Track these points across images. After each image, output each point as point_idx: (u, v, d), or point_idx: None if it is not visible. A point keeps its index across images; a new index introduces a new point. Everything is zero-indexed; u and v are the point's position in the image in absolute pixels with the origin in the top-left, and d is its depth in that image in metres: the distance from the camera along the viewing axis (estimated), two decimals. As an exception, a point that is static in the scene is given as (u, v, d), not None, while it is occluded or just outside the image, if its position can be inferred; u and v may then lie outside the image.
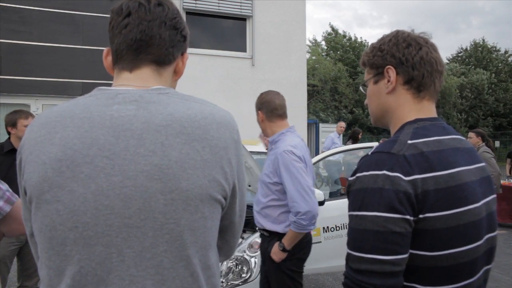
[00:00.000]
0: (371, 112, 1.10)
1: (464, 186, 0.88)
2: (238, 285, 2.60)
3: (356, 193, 0.88)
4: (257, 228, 2.45)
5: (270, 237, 2.33)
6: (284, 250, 2.24)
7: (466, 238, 0.87)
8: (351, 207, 0.89)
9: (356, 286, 0.84)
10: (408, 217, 0.83)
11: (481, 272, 0.93)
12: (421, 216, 0.84)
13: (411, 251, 0.85)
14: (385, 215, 0.82)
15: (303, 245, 2.32)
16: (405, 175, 0.84)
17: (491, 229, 0.96)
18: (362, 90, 1.12)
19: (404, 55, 0.98)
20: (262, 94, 2.45)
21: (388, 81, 1.00)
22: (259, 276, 2.67)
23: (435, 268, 0.86)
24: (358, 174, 0.89)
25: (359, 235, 0.86)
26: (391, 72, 1.00)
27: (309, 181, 2.21)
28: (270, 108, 2.37)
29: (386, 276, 0.82)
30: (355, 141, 8.03)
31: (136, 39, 0.85)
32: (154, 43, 0.86)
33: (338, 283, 4.36)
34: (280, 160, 2.20)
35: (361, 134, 8.44)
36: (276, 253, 2.26)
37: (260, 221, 2.37)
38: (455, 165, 0.89)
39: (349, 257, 0.88)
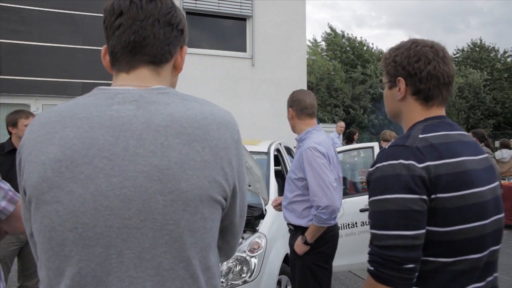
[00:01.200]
0: (387, 110, 1.23)
1: (470, 172, 1.01)
2: (238, 285, 2.60)
3: (377, 180, 1.01)
4: (286, 223, 2.61)
5: (295, 231, 2.45)
6: (306, 243, 2.32)
7: (474, 216, 1.00)
8: (373, 193, 1.01)
9: (383, 260, 0.96)
10: (424, 197, 0.96)
11: (488, 251, 1.04)
12: (433, 196, 0.97)
13: (426, 228, 0.97)
14: (405, 196, 0.95)
15: (326, 240, 2.37)
16: (419, 163, 0.97)
17: (498, 211, 1.07)
18: (380, 89, 1.26)
19: (414, 69, 1.09)
20: (294, 92, 2.57)
21: (399, 90, 1.13)
22: (259, 276, 2.67)
23: (446, 242, 0.98)
24: (377, 165, 1.02)
25: (382, 216, 0.97)
26: (401, 83, 1.12)
27: (331, 177, 2.29)
28: (300, 107, 2.47)
29: (408, 249, 0.94)
30: (351, 141, 8.03)
31: (130, 41, 0.82)
32: (149, 44, 0.83)
33: (338, 283, 4.36)
34: (304, 156, 2.31)
35: (356, 134, 8.46)
36: (299, 246, 2.36)
37: (287, 216, 2.49)
38: (461, 155, 1.02)
39: (374, 237, 0.99)
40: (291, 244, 2.45)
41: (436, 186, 0.96)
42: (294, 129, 2.57)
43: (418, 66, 1.09)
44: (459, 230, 0.98)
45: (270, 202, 3.22)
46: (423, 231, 0.96)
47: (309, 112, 2.49)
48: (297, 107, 2.47)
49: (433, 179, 0.96)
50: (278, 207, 2.73)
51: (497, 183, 1.09)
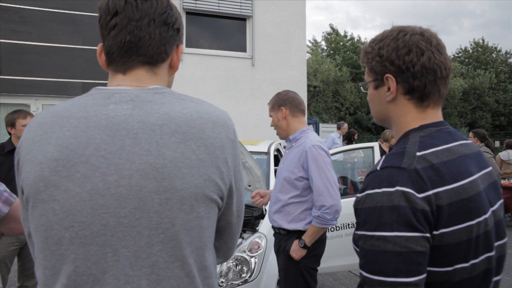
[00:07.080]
0: (373, 113, 1.05)
1: (475, 197, 0.85)
2: (238, 285, 2.60)
3: (369, 211, 0.82)
4: (272, 227, 2.47)
5: (288, 236, 2.32)
6: (304, 247, 2.23)
7: (478, 251, 0.84)
8: (364, 227, 0.83)
9: None
10: (427, 234, 0.79)
11: (491, 285, 0.90)
12: (435, 232, 0.80)
13: None
14: (406, 234, 0.78)
15: (320, 242, 2.32)
16: (419, 192, 0.80)
17: (500, 237, 0.92)
18: (363, 89, 1.06)
19: (405, 63, 0.91)
20: (281, 93, 2.48)
21: (389, 89, 0.95)
22: (259, 276, 2.67)
23: (448, 283, 0.83)
24: (368, 191, 0.84)
25: (378, 258, 0.79)
26: (391, 82, 0.93)
27: (335, 176, 2.24)
28: (295, 104, 2.41)
29: None
30: (350, 142, 8.04)
31: (125, 41, 0.82)
32: (145, 44, 0.83)
33: (338, 283, 4.36)
34: (309, 154, 2.22)
35: (356, 135, 8.43)
36: (296, 251, 2.25)
37: (278, 220, 2.35)
38: (465, 175, 0.86)
39: (366, 281, 0.80)
40: (285, 249, 2.30)
41: (438, 219, 0.80)
42: (286, 131, 2.43)
43: (409, 59, 0.90)
44: (461, 269, 0.82)
45: (269, 201, 3.21)
46: (425, 275, 0.79)
47: (302, 108, 2.44)
48: (291, 105, 2.40)
49: (435, 212, 0.80)
50: (259, 200, 2.55)
51: (499, 203, 0.94)
